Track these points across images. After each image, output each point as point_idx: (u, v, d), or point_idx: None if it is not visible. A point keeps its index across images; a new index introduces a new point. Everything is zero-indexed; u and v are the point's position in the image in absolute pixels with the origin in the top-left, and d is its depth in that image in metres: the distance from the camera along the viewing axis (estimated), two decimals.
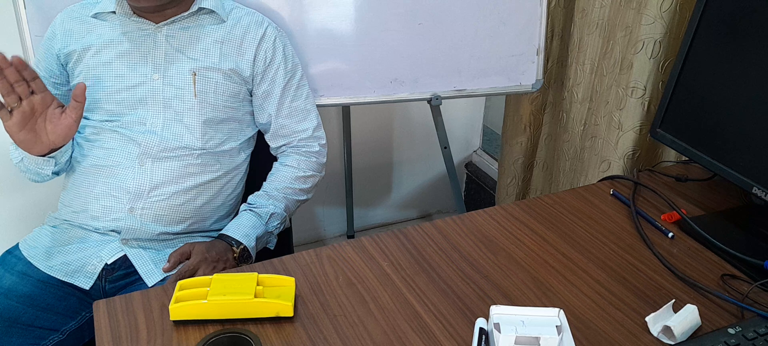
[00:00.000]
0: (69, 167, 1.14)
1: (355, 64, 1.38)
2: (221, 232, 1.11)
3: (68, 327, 1.06)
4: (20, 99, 0.95)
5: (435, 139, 1.68)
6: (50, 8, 1.20)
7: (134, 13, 1.10)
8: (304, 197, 1.24)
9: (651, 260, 0.92)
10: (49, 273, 1.07)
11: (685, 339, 0.76)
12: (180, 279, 0.88)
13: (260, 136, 1.27)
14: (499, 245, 0.95)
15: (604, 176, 1.23)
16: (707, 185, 1.14)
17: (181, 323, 0.78)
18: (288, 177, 1.20)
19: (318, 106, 1.29)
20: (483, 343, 0.72)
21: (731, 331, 0.75)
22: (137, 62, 1.10)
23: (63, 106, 1.00)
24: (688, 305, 0.78)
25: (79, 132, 1.14)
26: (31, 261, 1.08)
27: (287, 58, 1.20)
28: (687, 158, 1.21)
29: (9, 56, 0.93)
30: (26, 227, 1.72)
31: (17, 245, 1.12)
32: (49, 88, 1.12)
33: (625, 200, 1.08)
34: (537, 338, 0.69)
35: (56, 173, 1.10)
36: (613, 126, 1.37)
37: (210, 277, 0.80)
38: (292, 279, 0.82)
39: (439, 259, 0.91)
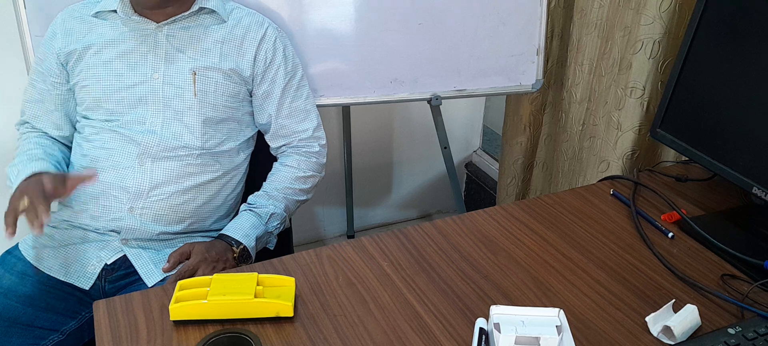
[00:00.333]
0: (69, 169, 1.14)
1: (355, 64, 1.38)
2: (221, 232, 1.11)
3: (68, 327, 1.06)
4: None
5: (435, 139, 1.68)
6: (50, 8, 1.20)
7: (135, 11, 1.10)
8: (304, 198, 1.24)
9: (651, 260, 0.92)
10: (48, 273, 1.07)
11: (685, 339, 0.76)
12: (180, 279, 0.88)
13: (260, 136, 1.26)
14: (499, 245, 0.95)
15: (603, 176, 1.23)
16: (707, 184, 1.14)
17: (181, 323, 0.78)
18: (288, 177, 1.20)
19: (318, 106, 1.29)
20: (483, 343, 0.72)
21: (731, 331, 0.75)
22: (138, 61, 1.10)
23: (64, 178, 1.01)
24: (688, 305, 0.78)
25: (79, 132, 1.15)
26: (31, 261, 1.08)
27: (287, 58, 1.20)
28: (686, 158, 1.21)
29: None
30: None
31: (17, 245, 1.12)
32: (49, 87, 1.12)
33: (625, 200, 1.08)
34: (537, 338, 0.69)
35: None
36: (612, 126, 1.37)
37: (210, 277, 0.80)
38: (292, 279, 0.82)
39: (439, 259, 0.91)
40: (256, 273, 0.81)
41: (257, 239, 1.12)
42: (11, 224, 0.94)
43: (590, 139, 1.45)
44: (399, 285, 0.85)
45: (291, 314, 0.78)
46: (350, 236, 2.23)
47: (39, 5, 1.21)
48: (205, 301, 0.76)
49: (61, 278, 1.07)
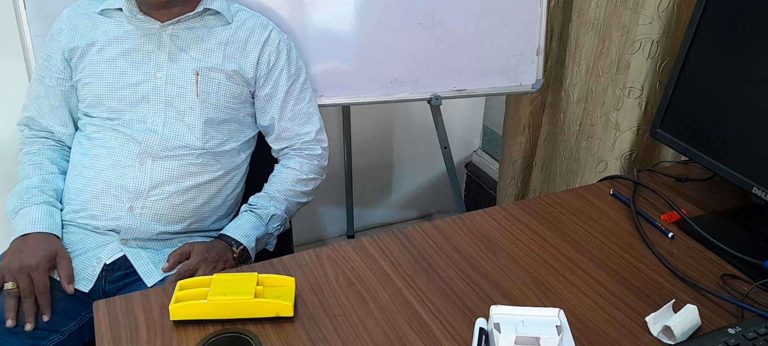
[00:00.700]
0: (70, 167, 1.14)
1: (355, 64, 1.38)
2: (221, 232, 1.11)
3: (68, 328, 1.06)
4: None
5: (435, 139, 1.68)
6: (50, 8, 1.20)
7: (141, 10, 1.10)
8: (305, 200, 1.24)
9: (651, 260, 0.92)
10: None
11: (685, 339, 0.76)
12: (180, 279, 0.88)
13: (260, 137, 1.27)
14: (499, 245, 0.95)
15: (602, 176, 1.23)
16: (707, 184, 1.14)
17: (181, 323, 0.78)
18: (289, 179, 1.20)
19: (318, 106, 1.29)
20: (483, 343, 0.72)
21: (731, 331, 0.75)
22: (141, 60, 1.10)
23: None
24: (688, 305, 0.78)
25: (80, 130, 1.15)
26: None
27: (291, 61, 1.20)
28: (686, 159, 1.21)
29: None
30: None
31: None
32: (53, 83, 1.12)
33: (625, 200, 1.08)
34: (537, 338, 0.69)
35: None
36: (610, 126, 1.37)
37: (210, 277, 0.80)
38: (292, 279, 0.82)
39: (439, 259, 0.91)
40: (256, 273, 0.81)
41: (257, 240, 1.12)
42: (12, 318, 0.96)
43: (588, 140, 1.45)
44: (399, 285, 0.85)
45: (291, 314, 0.78)
46: (350, 236, 2.23)
47: (39, 5, 1.21)
48: (205, 301, 0.76)
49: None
